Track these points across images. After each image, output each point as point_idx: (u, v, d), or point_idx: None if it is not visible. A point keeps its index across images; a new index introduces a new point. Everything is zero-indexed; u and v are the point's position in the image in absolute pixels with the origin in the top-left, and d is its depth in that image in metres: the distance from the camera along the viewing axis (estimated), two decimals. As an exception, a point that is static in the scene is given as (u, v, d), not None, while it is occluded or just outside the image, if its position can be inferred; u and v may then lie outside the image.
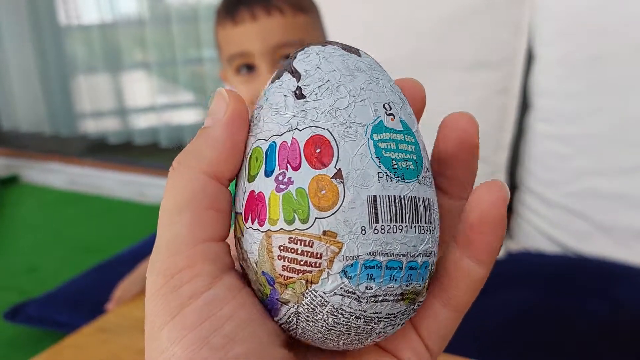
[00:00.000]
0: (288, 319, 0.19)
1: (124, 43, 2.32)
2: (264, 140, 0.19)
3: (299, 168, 0.19)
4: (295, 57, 0.21)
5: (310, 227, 0.18)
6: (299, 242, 0.18)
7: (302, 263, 0.18)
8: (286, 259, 0.18)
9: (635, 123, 1.16)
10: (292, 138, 0.19)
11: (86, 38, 2.42)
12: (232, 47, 0.81)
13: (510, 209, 1.43)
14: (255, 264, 0.19)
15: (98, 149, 2.50)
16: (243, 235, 0.19)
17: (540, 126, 1.29)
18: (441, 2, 1.27)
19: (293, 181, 0.18)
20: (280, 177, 0.19)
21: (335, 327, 0.19)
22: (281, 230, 0.18)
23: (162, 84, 2.29)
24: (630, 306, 1.07)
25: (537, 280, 1.18)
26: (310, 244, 0.18)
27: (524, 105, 1.34)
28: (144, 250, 1.39)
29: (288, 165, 0.19)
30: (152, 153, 2.34)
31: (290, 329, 0.20)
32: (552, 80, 1.25)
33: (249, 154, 0.20)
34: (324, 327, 0.19)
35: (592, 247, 1.25)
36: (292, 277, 0.18)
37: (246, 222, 0.19)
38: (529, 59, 1.30)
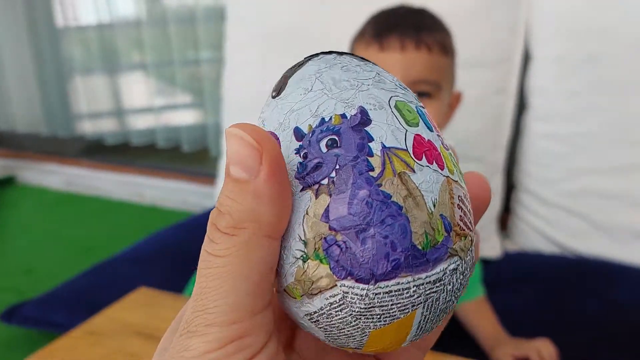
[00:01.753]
0: (444, 274, 0.18)
1: (121, 44, 2.32)
2: (405, 99, 0.19)
3: (443, 138, 0.20)
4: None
5: (465, 185, 0.19)
6: (467, 200, 0.19)
7: (468, 222, 0.19)
8: (462, 210, 0.18)
9: (631, 121, 1.17)
10: (427, 112, 0.20)
11: (83, 39, 2.41)
12: None
13: (507, 209, 1.43)
14: (433, 203, 0.17)
15: (95, 150, 2.50)
16: (414, 172, 0.17)
17: (537, 125, 1.29)
18: (438, 2, 1.28)
19: (448, 147, 0.20)
20: (440, 137, 0.19)
21: (458, 292, 0.19)
22: (457, 182, 0.19)
23: (159, 85, 2.29)
24: (628, 307, 1.07)
25: (534, 281, 1.18)
26: (470, 213, 0.19)
27: (521, 105, 1.34)
28: (139, 251, 1.39)
29: (438, 131, 0.20)
30: (150, 154, 2.34)
31: (437, 288, 0.18)
32: (549, 79, 1.25)
33: (392, 103, 0.19)
34: (459, 291, 0.19)
35: (589, 245, 1.25)
36: (464, 231, 0.18)
37: (419, 160, 0.18)
38: (526, 58, 1.30)
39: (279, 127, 0.19)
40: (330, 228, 0.17)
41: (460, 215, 0.18)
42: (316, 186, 0.17)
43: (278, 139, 0.19)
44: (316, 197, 0.17)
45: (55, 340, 0.70)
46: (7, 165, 2.52)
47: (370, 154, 0.17)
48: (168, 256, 1.33)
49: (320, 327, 0.19)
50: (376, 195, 0.17)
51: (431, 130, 0.19)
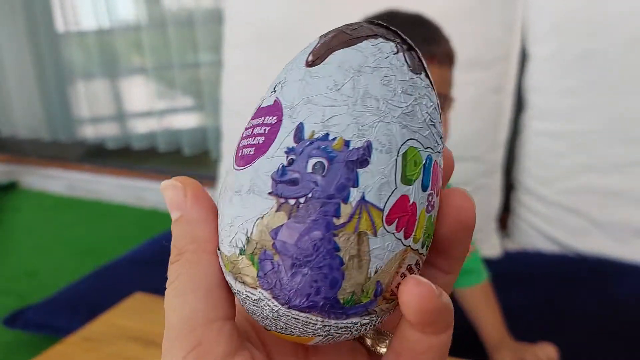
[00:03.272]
0: (353, 326, 0.18)
1: (122, 48, 2.33)
2: (421, 146, 0.18)
3: (438, 195, 0.19)
4: (419, 53, 0.20)
5: (425, 251, 0.19)
6: (417, 266, 0.18)
7: None
8: (403, 277, 0.18)
9: (629, 119, 1.17)
10: (439, 160, 0.19)
11: (83, 44, 2.42)
12: None
13: (507, 208, 1.43)
14: (375, 270, 0.17)
15: (96, 154, 2.50)
16: (375, 235, 0.17)
17: (535, 124, 1.29)
18: (434, 1, 1.28)
19: (435, 207, 0.19)
20: (430, 198, 0.18)
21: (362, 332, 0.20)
22: (417, 251, 0.18)
23: (160, 89, 2.29)
24: (628, 304, 1.07)
25: (534, 280, 1.18)
26: (419, 265, 0.19)
27: (519, 104, 1.34)
28: (141, 254, 1.39)
29: (435, 188, 0.18)
30: (150, 158, 2.35)
31: (343, 331, 0.18)
32: (546, 77, 1.25)
33: (403, 150, 0.17)
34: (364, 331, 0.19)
35: (588, 243, 1.25)
36: (395, 296, 0.18)
37: (388, 225, 0.17)
38: (523, 57, 1.30)
39: (290, 106, 0.18)
40: (274, 246, 0.17)
41: (399, 283, 0.18)
42: (282, 200, 0.17)
43: (282, 112, 0.18)
44: (277, 210, 0.17)
45: (51, 347, 0.71)
46: (10, 170, 2.53)
47: (346, 201, 0.17)
48: (168, 260, 1.33)
49: (239, 298, 0.20)
50: (327, 243, 0.17)
51: (425, 189, 0.18)
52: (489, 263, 1.30)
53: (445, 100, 0.80)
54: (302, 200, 0.17)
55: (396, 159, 0.17)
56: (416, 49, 0.20)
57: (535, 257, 1.31)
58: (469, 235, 0.20)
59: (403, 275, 0.18)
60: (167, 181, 0.20)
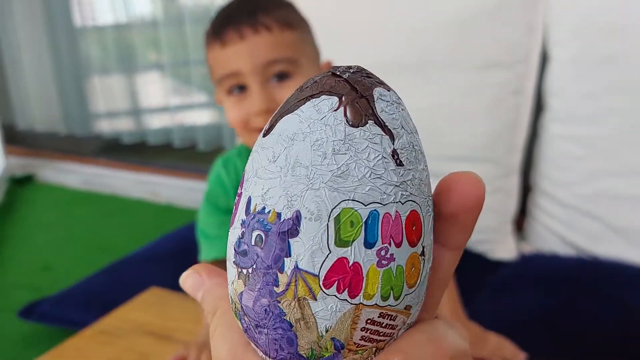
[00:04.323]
0: None
1: (138, 44, 2.34)
2: (360, 204, 0.18)
3: (401, 245, 0.18)
4: (373, 99, 0.19)
5: (399, 303, 0.19)
6: (387, 316, 0.19)
7: (381, 334, 0.19)
8: (369, 331, 0.19)
9: (650, 124, 1.15)
10: (396, 212, 0.18)
11: (101, 39, 2.43)
12: (222, 68, 0.80)
13: (523, 211, 1.42)
14: (326, 329, 0.18)
15: (112, 149, 2.52)
16: (315, 300, 0.18)
17: (554, 127, 1.28)
18: (454, 1, 1.27)
19: (395, 258, 0.18)
20: (383, 252, 0.18)
21: None
22: (375, 305, 0.18)
23: (176, 85, 2.30)
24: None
25: (550, 283, 1.17)
26: (394, 318, 0.19)
27: (538, 106, 1.33)
28: (155, 251, 1.40)
29: (392, 240, 0.18)
30: (165, 153, 2.36)
31: None
32: (566, 80, 1.24)
33: (335, 213, 0.18)
34: None
35: (606, 248, 1.24)
36: (365, 345, 0.19)
37: (327, 288, 0.18)
38: (543, 59, 1.29)
39: (246, 179, 0.20)
40: (242, 308, 0.20)
41: (363, 335, 0.19)
42: (239, 269, 0.19)
43: (242, 185, 0.20)
44: (237, 278, 0.19)
45: (66, 340, 0.71)
46: (26, 164, 2.55)
47: (282, 270, 0.18)
48: (182, 256, 1.33)
49: None
50: (274, 308, 0.18)
51: (371, 246, 0.18)
52: (504, 265, 1.30)
53: (296, 65, 0.79)
54: (250, 270, 0.19)
55: (327, 224, 0.17)
56: (366, 95, 0.19)
57: (551, 260, 1.29)
58: (472, 216, 0.21)
59: (364, 329, 0.18)
60: (185, 273, 0.25)
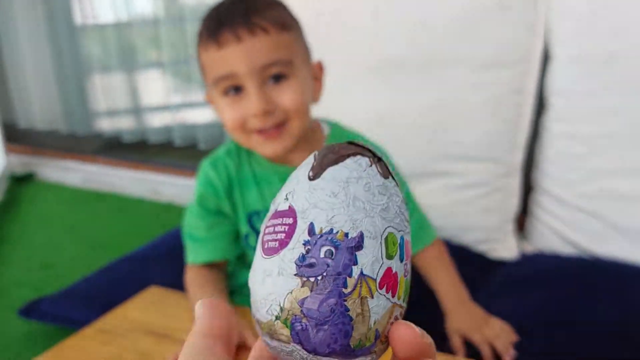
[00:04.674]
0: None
1: (139, 42, 2.34)
2: (396, 230, 0.25)
3: (409, 263, 0.26)
4: (384, 162, 0.27)
5: (405, 304, 0.26)
6: (400, 314, 0.25)
7: None
8: (393, 324, 0.25)
9: (653, 123, 1.15)
10: (408, 238, 0.26)
11: (101, 37, 2.43)
12: (218, 69, 0.79)
13: (525, 210, 1.42)
14: (374, 322, 0.24)
15: (113, 148, 2.52)
16: (372, 297, 0.24)
17: (556, 126, 1.28)
18: (455, 0, 1.27)
19: (408, 272, 0.26)
20: (405, 267, 0.25)
21: None
22: (400, 304, 0.25)
23: (176, 83, 2.30)
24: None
25: (551, 283, 1.17)
26: (402, 315, 0.25)
27: (540, 105, 1.33)
28: (156, 249, 1.39)
29: (408, 258, 0.26)
30: (166, 151, 2.36)
31: None
32: (568, 79, 1.23)
33: (384, 235, 0.25)
34: None
35: (607, 248, 1.23)
36: (388, 337, 0.25)
37: (381, 289, 0.24)
38: (545, 58, 1.28)
39: (302, 211, 0.25)
40: (302, 312, 0.24)
41: (389, 329, 0.25)
42: (305, 279, 0.24)
43: (296, 215, 0.25)
44: (301, 286, 0.24)
45: (66, 339, 0.71)
46: (27, 162, 2.55)
47: (350, 275, 0.24)
48: (182, 255, 1.33)
49: (270, 348, 0.26)
50: (340, 307, 0.23)
51: (402, 260, 0.25)
52: (505, 264, 1.29)
53: (291, 66, 0.79)
54: (319, 278, 0.24)
55: (381, 242, 0.24)
56: (383, 159, 0.27)
57: (552, 260, 1.29)
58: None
59: (391, 323, 0.25)
60: (197, 304, 0.27)
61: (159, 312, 0.78)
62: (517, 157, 1.32)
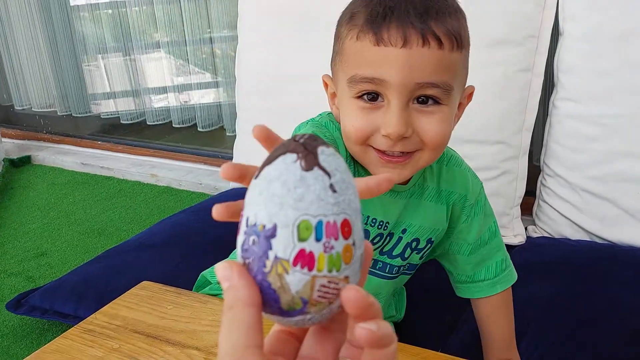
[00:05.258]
0: (302, 320, 0.30)
1: (136, 23, 2.29)
2: (311, 216, 0.29)
3: (337, 239, 0.29)
4: (317, 154, 0.30)
5: (340, 274, 0.29)
6: (332, 282, 0.29)
7: (329, 293, 0.29)
8: (321, 291, 0.29)
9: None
10: (334, 221, 0.29)
11: (97, 17, 2.39)
12: (364, 68, 0.66)
13: (533, 193, 1.37)
14: (296, 292, 0.29)
15: (110, 130, 2.49)
16: (288, 274, 0.28)
17: (565, 106, 1.23)
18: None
19: (334, 247, 0.29)
20: (327, 244, 0.29)
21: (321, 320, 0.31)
22: (324, 275, 0.29)
23: (175, 65, 2.27)
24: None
25: (560, 269, 1.13)
26: (337, 283, 0.29)
27: (549, 84, 1.28)
28: (151, 238, 1.35)
29: (332, 237, 0.29)
30: (165, 133, 2.33)
31: (299, 323, 0.30)
32: (579, 57, 1.20)
33: (296, 223, 0.28)
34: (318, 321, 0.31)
35: (618, 232, 1.20)
36: (321, 301, 0.29)
37: (294, 266, 0.28)
38: (555, 34, 1.23)
39: (245, 206, 0.30)
40: None
41: (319, 295, 0.29)
42: (243, 260, 0.30)
43: (243, 210, 0.31)
44: (243, 265, 0.30)
45: (51, 341, 0.67)
46: (23, 145, 2.53)
47: (267, 258, 0.28)
48: (179, 243, 1.30)
49: None
50: (265, 282, 0.29)
51: (319, 240, 0.29)
52: (513, 251, 1.25)
53: (449, 92, 0.67)
54: (249, 260, 0.29)
55: (292, 230, 0.28)
56: (315, 151, 0.30)
57: (561, 245, 1.26)
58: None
59: (319, 290, 0.29)
60: (220, 263, 0.30)
61: (149, 311, 0.74)
62: (525, 139, 1.28)
